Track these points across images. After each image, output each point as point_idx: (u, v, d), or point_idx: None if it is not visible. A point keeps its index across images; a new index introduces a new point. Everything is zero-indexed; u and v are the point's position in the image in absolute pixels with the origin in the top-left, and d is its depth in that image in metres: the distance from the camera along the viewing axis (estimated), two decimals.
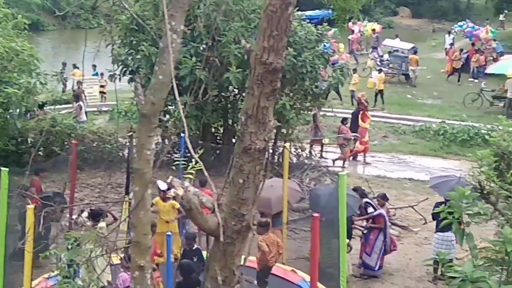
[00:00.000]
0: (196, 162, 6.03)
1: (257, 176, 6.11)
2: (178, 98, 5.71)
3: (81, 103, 22.55)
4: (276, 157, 19.04)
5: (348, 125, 21.05)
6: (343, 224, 11.59)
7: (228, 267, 6.27)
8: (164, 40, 6.02)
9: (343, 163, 20.92)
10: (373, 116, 27.41)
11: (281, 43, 5.84)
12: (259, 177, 6.13)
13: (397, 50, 35.44)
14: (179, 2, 5.98)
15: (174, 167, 9.02)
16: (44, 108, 21.08)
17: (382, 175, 20.56)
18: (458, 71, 35.47)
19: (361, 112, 21.99)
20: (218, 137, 19.55)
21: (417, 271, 14.16)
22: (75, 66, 29.01)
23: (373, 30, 41.50)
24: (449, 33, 39.08)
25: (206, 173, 5.90)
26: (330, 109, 21.33)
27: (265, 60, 5.83)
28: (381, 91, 28.69)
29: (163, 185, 11.84)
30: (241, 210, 6.16)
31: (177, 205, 12.08)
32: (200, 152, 6.45)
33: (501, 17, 48.92)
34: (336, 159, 21.00)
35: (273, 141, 19.16)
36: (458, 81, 34.17)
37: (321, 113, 20.80)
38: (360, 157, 21.76)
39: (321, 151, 21.56)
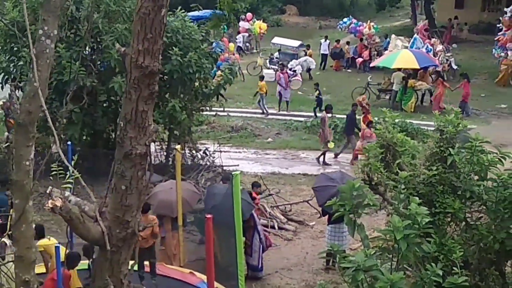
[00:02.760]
0: (73, 170, 5.85)
1: (139, 182, 6.00)
2: (44, 106, 5.49)
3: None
4: (170, 159, 18.88)
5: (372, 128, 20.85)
6: (238, 223, 11.62)
7: (115, 276, 6.12)
8: (38, 46, 5.83)
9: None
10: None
11: (156, 46, 5.76)
12: (142, 182, 6.02)
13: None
14: (51, 6, 5.80)
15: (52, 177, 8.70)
16: None
17: (276, 172, 20.80)
18: (347, 64, 36.79)
19: (363, 114, 22.19)
20: (110, 143, 19.16)
21: (314, 264, 14.41)
22: None
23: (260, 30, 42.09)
24: (326, 38, 38.33)
25: (83, 182, 5.74)
26: (221, 109, 21.34)
27: (141, 63, 5.73)
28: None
29: None
30: (125, 217, 6.04)
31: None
32: (75, 158, 6.24)
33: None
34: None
35: (166, 144, 19.02)
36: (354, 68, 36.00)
37: (213, 113, 20.75)
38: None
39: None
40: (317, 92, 27.53)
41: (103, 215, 6.04)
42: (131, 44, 5.81)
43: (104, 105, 17.55)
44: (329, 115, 21.79)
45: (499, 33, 33.81)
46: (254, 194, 14.48)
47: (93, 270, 6.46)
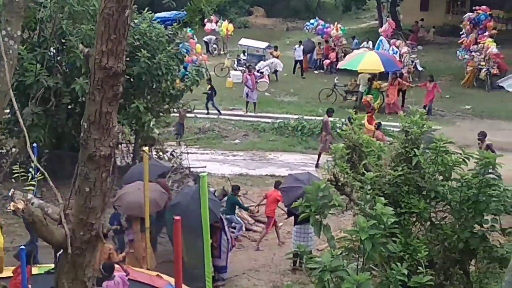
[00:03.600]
0: (39, 171, 5.77)
1: (104, 183, 5.94)
2: (16, 107, 5.42)
3: None
4: (137, 161, 18.73)
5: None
6: (206, 225, 11.59)
7: (79, 279, 6.05)
8: (1, 47, 5.75)
9: None
10: (233, 115, 27.81)
11: (120, 47, 5.70)
12: (106, 184, 5.97)
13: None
14: (14, 6, 5.73)
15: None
16: None
17: (244, 173, 20.76)
18: (315, 66, 36.92)
19: (367, 114, 22.14)
20: (76, 144, 18.92)
21: (282, 265, 14.43)
22: None
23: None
24: (300, 43, 37.07)
25: (51, 183, 5.66)
26: (189, 110, 21.26)
27: (105, 64, 5.67)
28: None
29: None
30: (89, 219, 5.97)
31: None
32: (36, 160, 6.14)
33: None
34: None
35: (133, 145, 18.88)
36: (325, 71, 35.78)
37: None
38: None
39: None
40: (209, 86, 27.43)
41: (66, 218, 5.96)
42: (94, 45, 5.75)
43: (69, 106, 17.34)
44: (331, 119, 21.79)
45: (462, 36, 34.35)
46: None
47: (56, 273, 6.37)
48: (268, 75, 32.39)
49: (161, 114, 18.72)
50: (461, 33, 34.74)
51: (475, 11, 33.86)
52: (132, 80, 16.66)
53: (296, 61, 36.62)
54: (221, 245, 13.37)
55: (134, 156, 18.79)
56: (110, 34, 5.61)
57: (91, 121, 5.82)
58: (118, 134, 5.82)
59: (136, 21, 16.68)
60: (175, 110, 19.11)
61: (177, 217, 10.64)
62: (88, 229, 5.99)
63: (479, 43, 32.45)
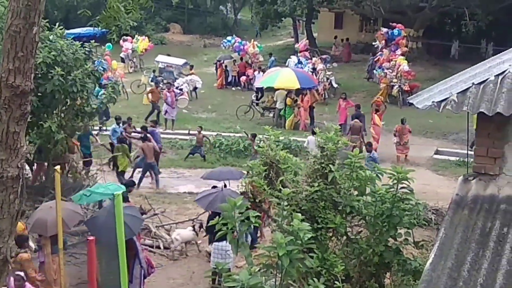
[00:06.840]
0: None
1: (12, 206, 5.71)
2: None
3: None
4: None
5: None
6: (121, 244, 11.37)
7: None
8: None
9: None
10: None
11: (28, 65, 5.54)
12: (15, 206, 5.75)
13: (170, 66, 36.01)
14: None
15: None
16: None
17: (162, 191, 20.56)
18: (232, 83, 37.01)
19: (377, 113, 25.04)
20: None
21: (201, 284, 14.31)
22: None
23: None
24: (260, 70, 35.62)
25: None
26: (104, 128, 20.90)
27: (12, 83, 5.49)
28: None
29: None
30: None
31: None
32: None
33: None
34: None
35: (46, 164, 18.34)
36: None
37: (95, 132, 20.24)
38: None
39: None
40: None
41: None
42: (1, 63, 5.56)
43: None
44: None
45: (378, 54, 35.16)
46: None
47: None
48: (188, 92, 32.25)
49: (76, 132, 18.28)
50: (376, 48, 35.53)
51: (391, 28, 34.68)
52: (44, 98, 16.19)
53: (257, 90, 33.33)
54: (133, 271, 12.85)
55: (46, 175, 18.22)
56: (17, 52, 5.45)
57: None
58: (26, 155, 5.60)
59: (51, 37, 16.26)
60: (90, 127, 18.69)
61: (91, 238, 10.44)
62: None
63: (391, 60, 33.34)
